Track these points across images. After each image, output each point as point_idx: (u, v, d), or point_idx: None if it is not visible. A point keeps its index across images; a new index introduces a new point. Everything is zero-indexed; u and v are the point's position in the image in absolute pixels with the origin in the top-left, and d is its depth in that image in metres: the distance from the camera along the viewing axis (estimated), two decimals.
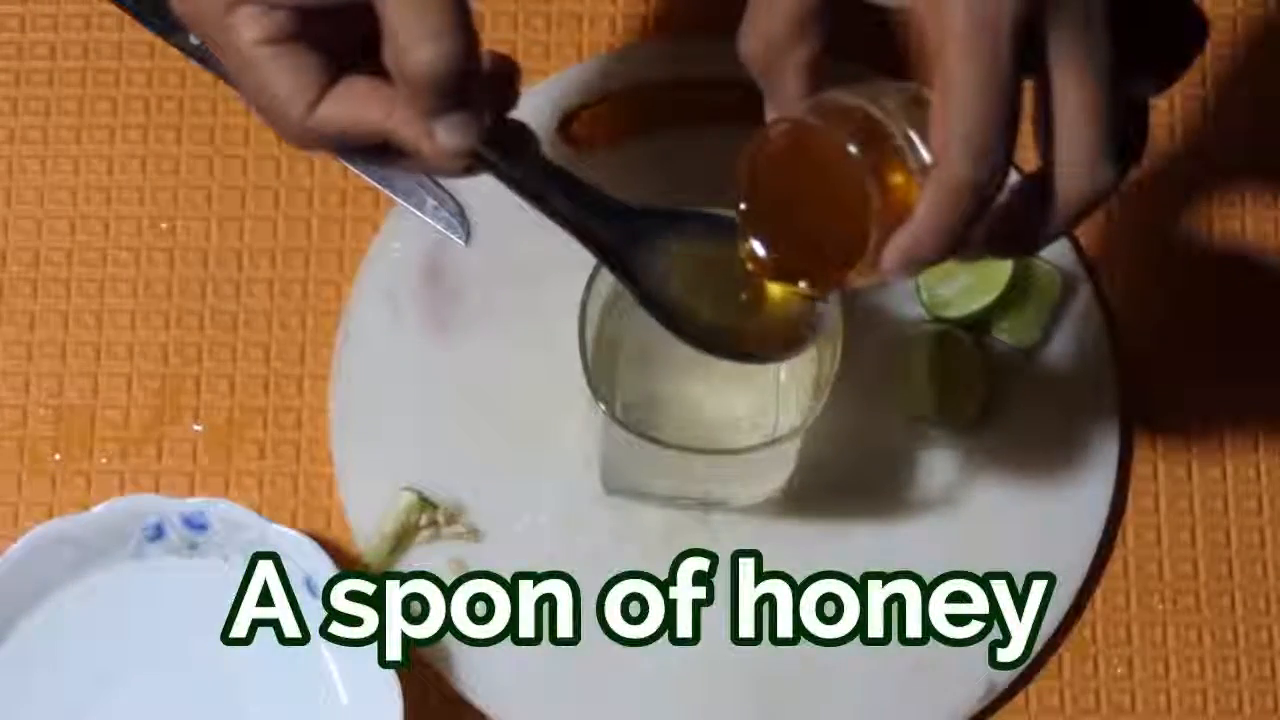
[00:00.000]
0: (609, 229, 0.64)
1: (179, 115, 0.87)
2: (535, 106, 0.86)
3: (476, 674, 0.80)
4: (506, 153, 0.62)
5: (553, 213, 0.64)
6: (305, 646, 0.80)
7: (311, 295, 0.86)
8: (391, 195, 0.86)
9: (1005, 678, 0.81)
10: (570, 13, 0.89)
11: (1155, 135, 0.88)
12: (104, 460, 0.84)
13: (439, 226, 0.85)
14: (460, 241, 0.85)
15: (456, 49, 0.58)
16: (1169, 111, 0.89)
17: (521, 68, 0.64)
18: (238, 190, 0.87)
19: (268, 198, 0.87)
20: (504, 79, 0.63)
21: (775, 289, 0.65)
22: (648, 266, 0.65)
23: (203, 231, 0.86)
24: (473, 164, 0.61)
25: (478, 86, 0.60)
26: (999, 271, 0.83)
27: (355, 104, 0.61)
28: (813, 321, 0.66)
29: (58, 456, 0.84)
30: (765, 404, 0.79)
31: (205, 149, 0.87)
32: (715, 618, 0.81)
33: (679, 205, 0.66)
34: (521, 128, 0.64)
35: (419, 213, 0.85)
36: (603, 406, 0.71)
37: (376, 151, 0.62)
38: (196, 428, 0.84)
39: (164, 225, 0.86)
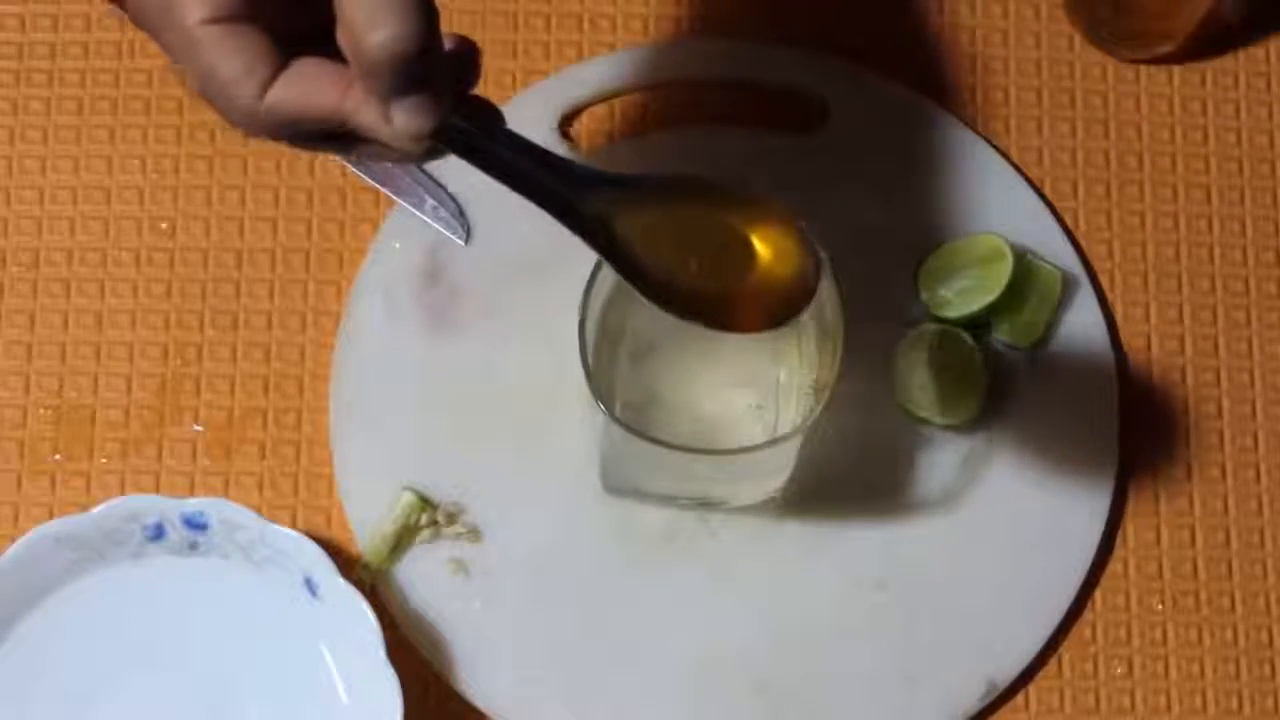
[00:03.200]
0: (587, 201, 0.61)
1: (179, 115, 0.88)
2: (535, 106, 0.86)
3: (476, 674, 0.80)
4: (470, 132, 0.60)
5: (525, 189, 0.61)
6: (305, 646, 0.80)
7: (311, 295, 0.86)
8: (391, 195, 0.86)
9: (1005, 678, 0.81)
10: (570, 13, 0.89)
11: (1156, 134, 0.89)
12: (104, 460, 0.84)
13: (439, 226, 0.85)
14: (460, 241, 0.85)
15: (415, 29, 0.55)
16: (1169, 112, 0.89)
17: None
18: (238, 190, 0.87)
19: (268, 198, 0.87)
20: (465, 59, 0.60)
21: (765, 251, 0.63)
22: (630, 236, 0.62)
23: (203, 231, 0.86)
24: (435, 146, 0.59)
25: (438, 67, 0.57)
26: (999, 271, 0.83)
27: (308, 86, 0.58)
28: (803, 287, 0.63)
29: (58, 456, 0.84)
30: (765, 404, 0.79)
31: (205, 149, 0.87)
32: (715, 618, 0.81)
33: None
34: (486, 105, 0.61)
35: (419, 212, 0.85)
36: (602, 406, 0.71)
37: (330, 138, 0.60)
38: (196, 428, 0.84)
39: (164, 225, 0.86)
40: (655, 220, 0.63)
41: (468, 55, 0.61)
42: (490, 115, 0.61)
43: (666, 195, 0.64)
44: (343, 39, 0.57)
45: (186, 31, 0.58)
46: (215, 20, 0.58)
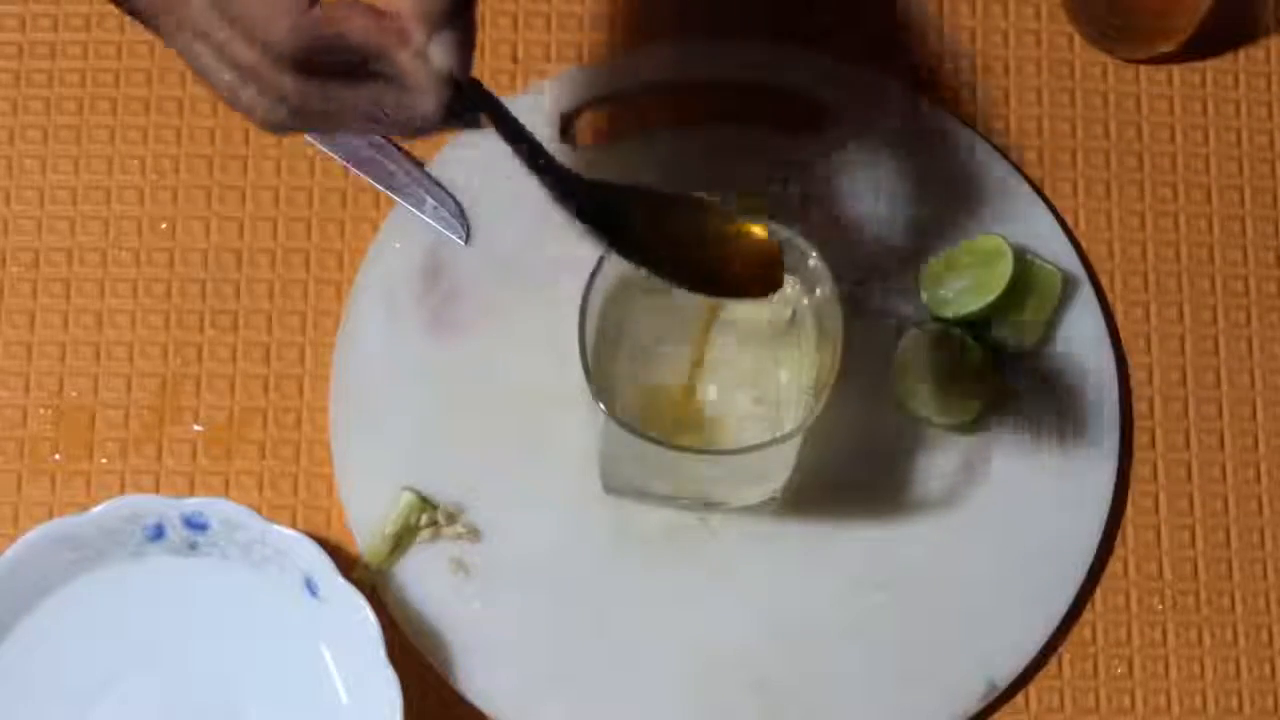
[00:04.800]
0: (589, 193, 0.65)
1: (179, 115, 0.88)
2: (535, 106, 0.86)
3: (476, 674, 0.80)
4: (482, 98, 0.61)
5: (535, 161, 0.64)
6: (305, 646, 0.80)
7: (311, 295, 0.86)
8: (391, 195, 0.86)
9: (1005, 678, 0.81)
10: (570, 13, 0.89)
11: (1156, 134, 0.89)
12: (104, 460, 0.84)
13: (439, 226, 0.85)
14: (460, 241, 0.85)
15: None
16: (1169, 113, 0.89)
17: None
18: (238, 190, 0.87)
19: (268, 198, 0.87)
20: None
21: (742, 236, 0.70)
22: (630, 223, 0.66)
23: (203, 231, 0.86)
24: (453, 104, 0.59)
25: (470, 8, 0.59)
26: (999, 271, 0.83)
27: (342, 12, 0.59)
28: (778, 261, 0.70)
29: (58, 456, 0.84)
30: (765, 403, 0.79)
31: (205, 149, 0.87)
32: (715, 618, 0.81)
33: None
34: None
35: (419, 213, 0.85)
36: (603, 406, 0.71)
37: (348, 92, 0.60)
38: (196, 428, 0.84)
39: (164, 225, 0.86)
40: (647, 213, 0.67)
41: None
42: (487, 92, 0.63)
43: (649, 198, 0.68)
44: None
45: None
46: None
